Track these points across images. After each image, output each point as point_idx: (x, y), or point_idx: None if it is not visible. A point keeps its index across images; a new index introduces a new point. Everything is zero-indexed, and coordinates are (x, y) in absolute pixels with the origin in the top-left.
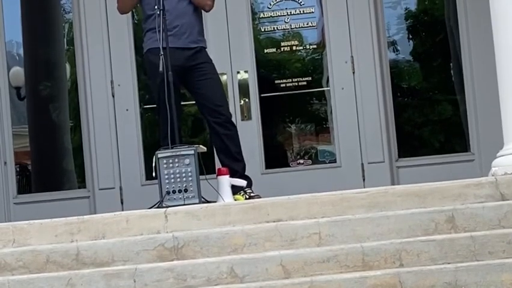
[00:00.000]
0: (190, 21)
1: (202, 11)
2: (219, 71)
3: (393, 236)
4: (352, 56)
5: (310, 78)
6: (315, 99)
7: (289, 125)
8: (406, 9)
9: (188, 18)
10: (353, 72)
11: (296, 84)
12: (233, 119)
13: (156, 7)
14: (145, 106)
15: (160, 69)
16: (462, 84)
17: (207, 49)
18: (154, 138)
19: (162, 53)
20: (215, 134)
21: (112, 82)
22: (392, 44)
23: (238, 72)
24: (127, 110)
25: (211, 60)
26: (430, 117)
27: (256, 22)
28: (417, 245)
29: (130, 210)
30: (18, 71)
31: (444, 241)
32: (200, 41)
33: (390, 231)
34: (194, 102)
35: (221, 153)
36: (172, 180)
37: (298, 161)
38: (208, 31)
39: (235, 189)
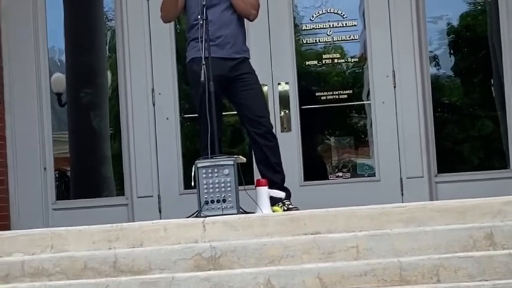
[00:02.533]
0: (233, 32)
1: (246, 20)
2: (260, 82)
3: (431, 251)
4: (394, 70)
5: (351, 92)
6: (354, 112)
7: (329, 137)
8: (448, 24)
9: (232, 29)
10: (394, 87)
11: (337, 97)
12: (273, 131)
13: (200, 17)
14: (185, 115)
15: (202, 79)
16: (503, 101)
17: (249, 60)
18: (193, 148)
19: (204, 62)
20: (255, 144)
21: (153, 90)
22: (434, 59)
23: (279, 84)
24: (167, 118)
25: (253, 70)
26: (470, 133)
27: (298, 34)
28: (455, 261)
29: (168, 218)
30: (59, 77)
31: (483, 258)
32: (243, 52)
33: (428, 247)
34: (233, 112)
35: (261, 164)
36: (211, 190)
37: (337, 174)
38: (250, 42)
39: (274, 201)
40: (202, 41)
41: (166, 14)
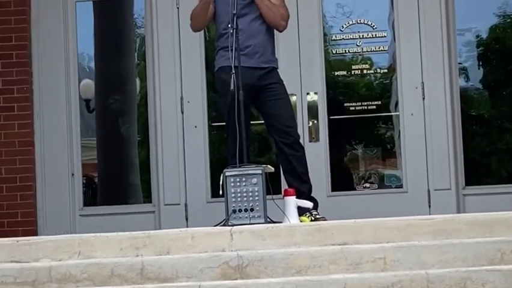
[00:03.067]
0: (263, 41)
1: (275, 30)
2: (288, 92)
3: (458, 264)
4: (423, 82)
5: (379, 102)
6: (382, 123)
7: (356, 148)
8: (477, 36)
9: (261, 38)
10: (423, 98)
11: (365, 107)
12: (301, 140)
13: (229, 26)
14: (213, 123)
15: (231, 87)
16: None
17: (278, 69)
18: (221, 156)
19: (233, 71)
20: (282, 154)
21: (181, 98)
22: (462, 71)
23: (307, 94)
24: (195, 126)
25: (282, 80)
26: (498, 145)
27: (328, 44)
28: (483, 274)
29: (195, 227)
30: (88, 83)
31: (510, 271)
32: (272, 61)
33: (456, 259)
34: (260, 121)
35: (288, 174)
36: (239, 199)
37: (364, 185)
38: (279, 51)
39: (301, 211)
40: (231, 50)
41: (196, 23)
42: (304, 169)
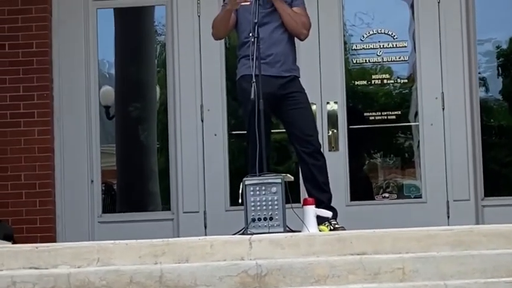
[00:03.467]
0: (284, 50)
1: (296, 39)
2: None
3: (477, 275)
4: (442, 92)
5: (398, 112)
6: (401, 133)
7: (376, 157)
8: (498, 47)
9: (282, 47)
10: (443, 109)
11: (385, 117)
12: (321, 149)
13: (251, 34)
14: (232, 132)
15: (252, 96)
16: None
17: (299, 78)
18: (240, 164)
19: (254, 80)
20: (303, 163)
21: (201, 106)
22: (482, 82)
23: (327, 103)
24: (215, 135)
25: (303, 89)
26: None
27: (348, 54)
28: (501, 286)
29: (213, 235)
30: (108, 90)
31: None
32: (293, 70)
33: (474, 271)
34: (280, 130)
35: (308, 183)
36: (258, 207)
37: (383, 195)
38: (300, 60)
39: (320, 220)
40: (252, 59)
41: (218, 32)
42: (324, 178)
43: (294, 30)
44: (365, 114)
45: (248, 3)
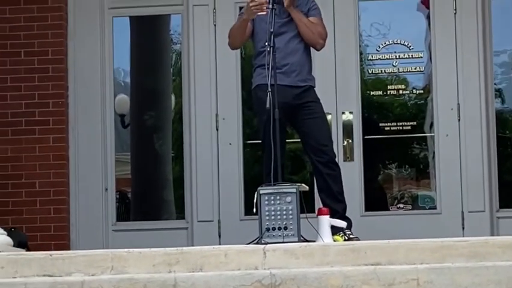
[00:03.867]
0: (300, 60)
1: (312, 49)
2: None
3: (491, 286)
4: (458, 103)
5: (414, 123)
6: (416, 143)
7: (390, 168)
8: None
9: (298, 57)
10: (458, 120)
11: (400, 128)
12: (336, 159)
13: (267, 44)
14: (247, 141)
15: (267, 105)
16: None
17: (315, 88)
18: (254, 174)
19: (270, 89)
20: (318, 173)
21: (217, 115)
22: (498, 93)
23: (343, 113)
24: (230, 144)
25: (319, 99)
26: None
27: (364, 64)
28: None
29: (227, 244)
30: (123, 98)
31: None
32: (309, 80)
33: (489, 282)
34: (294, 139)
35: (323, 193)
36: (273, 217)
37: (397, 205)
38: (315, 70)
39: (335, 230)
40: (268, 68)
41: (234, 41)
42: (339, 188)
43: (310, 40)
44: (380, 124)
45: (264, 13)
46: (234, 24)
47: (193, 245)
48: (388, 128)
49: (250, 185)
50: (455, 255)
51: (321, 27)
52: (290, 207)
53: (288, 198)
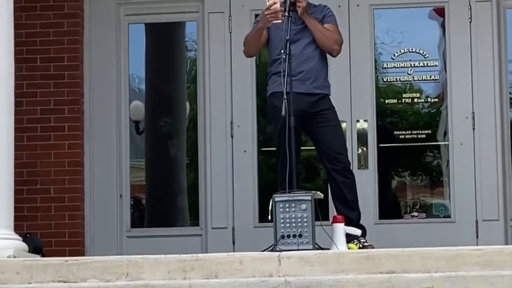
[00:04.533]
0: (316, 67)
1: (328, 56)
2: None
3: None
4: (473, 112)
5: (428, 131)
6: (430, 152)
7: (405, 176)
8: None
9: (314, 64)
10: (473, 128)
11: (415, 136)
12: (351, 167)
13: (282, 51)
14: (262, 148)
15: (283, 113)
16: None
17: (330, 96)
18: (269, 181)
19: (285, 97)
20: (332, 181)
21: (231, 123)
22: None
23: (357, 121)
24: (244, 151)
25: (334, 107)
26: None
27: (378, 72)
28: None
29: (242, 251)
30: (138, 105)
31: None
32: (325, 88)
33: None
34: (308, 147)
35: (337, 201)
36: (288, 224)
37: (412, 214)
38: (330, 78)
39: (349, 238)
40: (284, 76)
41: (249, 49)
42: (353, 196)
43: (325, 47)
44: (395, 132)
45: (280, 21)
46: (249, 32)
47: (207, 252)
48: (403, 136)
49: (265, 192)
50: (470, 263)
51: (337, 34)
52: (305, 215)
53: (303, 206)
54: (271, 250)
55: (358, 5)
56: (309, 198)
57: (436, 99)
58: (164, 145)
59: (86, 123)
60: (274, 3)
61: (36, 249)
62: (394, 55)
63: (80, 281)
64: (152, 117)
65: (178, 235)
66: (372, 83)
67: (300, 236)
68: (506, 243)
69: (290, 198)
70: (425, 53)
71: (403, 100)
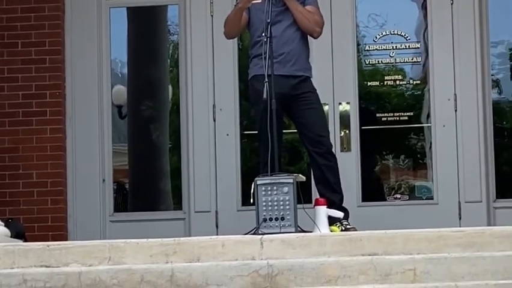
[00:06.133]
0: (297, 49)
1: (310, 38)
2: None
3: (488, 276)
4: (455, 94)
5: (411, 114)
6: (414, 134)
7: (387, 158)
8: (511, 49)
9: (295, 46)
10: (455, 110)
11: (397, 118)
12: (332, 150)
13: (263, 34)
14: (244, 132)
15: (264, 96)
16: None
17: (312, 78)
18: (252, 164)
19: (267, 80)
20: (315, 164)
21: (214, 106)
22: (495, 84)
23: (340, 104)
24: (227, 134)
25: (315, 89)
26: None
27: (361, 54)
28: None
29: (225, 234)
30: (121, 89)
31: None
32: (306, 70)
33: (486, 272)
34: (291, 130)
35: (320, 184)
36: (270, 207)
37: (395, 196)
38: (312, 61)
39: (332, 220)
40: (265, 58)
41: (230, 30)
42: (336, 179)
43: (306, 29)
44: (377, 115)
45: (259, 1)
46: (229, 13)
47: (190, 236)
48: (385, 119)
49: (248, 175)
50: (452, 245)
51: (318, 16)
52: (287, 198)
53: (285, 189)
54: (254, 233)
55: None
56: (291, 181)
57: (418, 82)
58: (147, 129)
59: (68, 108)
60: None
61: (18, 234)
62: (376, 37)
63: (62, 265)
64: (135, 101)
65: (161, 219)
66: (354, 65)
67: (283, 219)
68: (489, 225)
69: (272, 181)
70: (406, 35)
71: (385, 82)
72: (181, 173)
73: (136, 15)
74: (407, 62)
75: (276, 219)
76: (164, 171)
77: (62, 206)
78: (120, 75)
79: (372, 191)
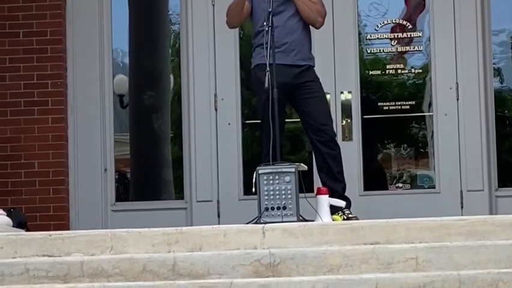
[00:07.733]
0: (299, 39)
1: (312, 28)
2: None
3: (490, 265)
4: (457, 83)
5: (413, 102)
6: (415, 123)
7: (389, 147)
8: None
9: (297, 35)
10: (457, 99)
11: (399, 107)
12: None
13: (266, 23)
14: (246, 121)
15: (266, 85)
16: None
17: (314, 67)
18: (253, 154)
19: (268, 69)
20: (318, 152)
21: (215, 96)
22: (497, 72)
23: (341, 93)
24: (229, 124)
25: (318, 78)
26: None
27: (362, 43)
28: None
29: (226, 224)
30: (122, 78)
31: None
32: (308, 59)
33: (488, 261)
34: (293, 119)
35: (322, 172)
36: (272, 196)
37: (396, 185)
38: (314, 50)
39: (334, 209)
40: (267, 48)
41: (232, 19)
42: (339, 168)
43: (309, 19)
44: (379, 104)
45: None
46: (231, 3)
47: (192, 225)
48: (387, 108)
49: (249, 164)
50: (454, 234)
51: (320, 5)
52: (289, 187)
53: (287, 178)
54: (256, 222)
55: None
56: (293, 170)
57: (420, 70)
58: (148, 119)
59: (70, 98)
60: None
61: (20, 223)
62: (378, 26)
63: (64, 255)
64: (136, 91)
65: (163, 208)
66: (356, 54)
67: (284, 208)
68: (491, 213)
69: (274, 171)
70: (408, 24)
71: (387, 71)
72: (183, 163)
73: (137, 4)
74: (408, 50)
75: (278, 208)
76: (165, 160)
77: (64, 196)
78: (121, 64)
79: (374, 180)
